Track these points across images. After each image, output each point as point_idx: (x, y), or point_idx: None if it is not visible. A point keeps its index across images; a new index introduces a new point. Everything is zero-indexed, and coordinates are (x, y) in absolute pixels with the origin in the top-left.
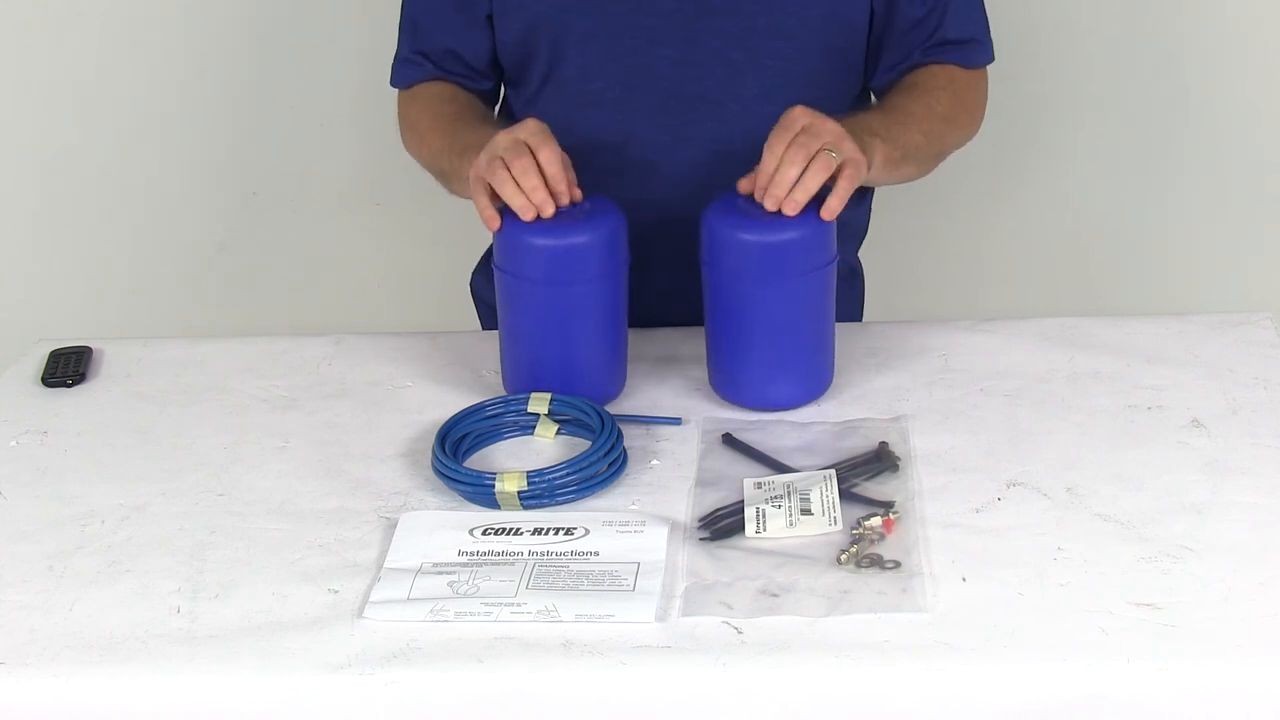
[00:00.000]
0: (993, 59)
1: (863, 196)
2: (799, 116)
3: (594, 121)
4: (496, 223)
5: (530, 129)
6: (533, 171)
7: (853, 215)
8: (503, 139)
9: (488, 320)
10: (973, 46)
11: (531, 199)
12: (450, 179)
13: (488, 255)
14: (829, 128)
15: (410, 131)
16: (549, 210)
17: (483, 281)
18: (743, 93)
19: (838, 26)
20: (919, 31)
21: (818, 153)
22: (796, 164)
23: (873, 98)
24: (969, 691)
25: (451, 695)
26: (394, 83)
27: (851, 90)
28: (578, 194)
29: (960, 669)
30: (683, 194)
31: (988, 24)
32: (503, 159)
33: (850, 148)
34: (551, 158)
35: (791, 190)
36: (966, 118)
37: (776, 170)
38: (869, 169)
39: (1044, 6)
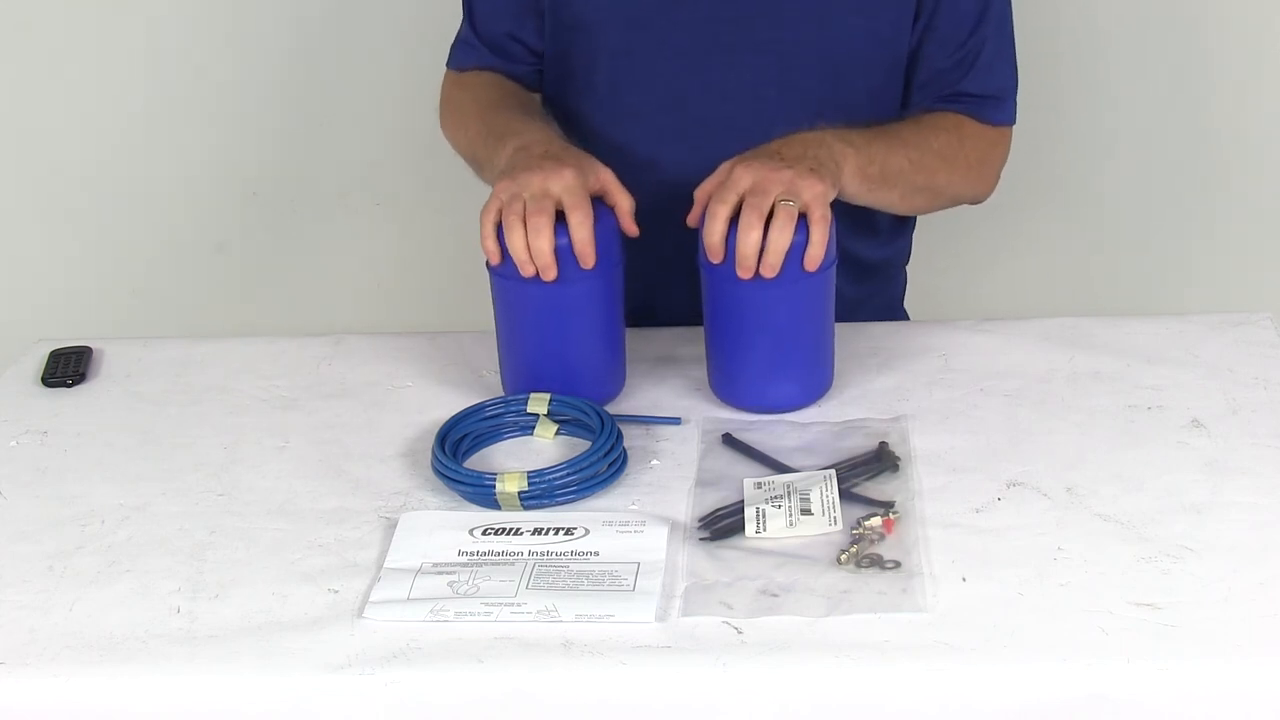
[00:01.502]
0: (1013, 120)
1: (903, 228)
2: (739, 177)
3: (625, 136)
4: (496, 258)
5: (566, 182)
6: (546, 232)
7: (898, 249)
8: (536, 181)
9: None
10: (990, 103)
11: (535, 261)
12: (483, 166)
13: None
14: (776, 177)
15: (453, 115)
16: (550, 276)
17: None
18: (776, 128)
19: (874, 70)
20: (942, 80)
21: (774, 207)
22: (754, 226)
23: None
24: (969, 691)
25: (451, 695)
26: (449, 64)
27: None
28: (590, 262)
29: (960, 669)
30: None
31: (1015, 85)
32: (525, 203)
33: (806, 183)
34: (583, 222)
35: (762, 255)
36: (966, 166)
37: (739, 239)
38: (839, 181)
39: (1045, 8)
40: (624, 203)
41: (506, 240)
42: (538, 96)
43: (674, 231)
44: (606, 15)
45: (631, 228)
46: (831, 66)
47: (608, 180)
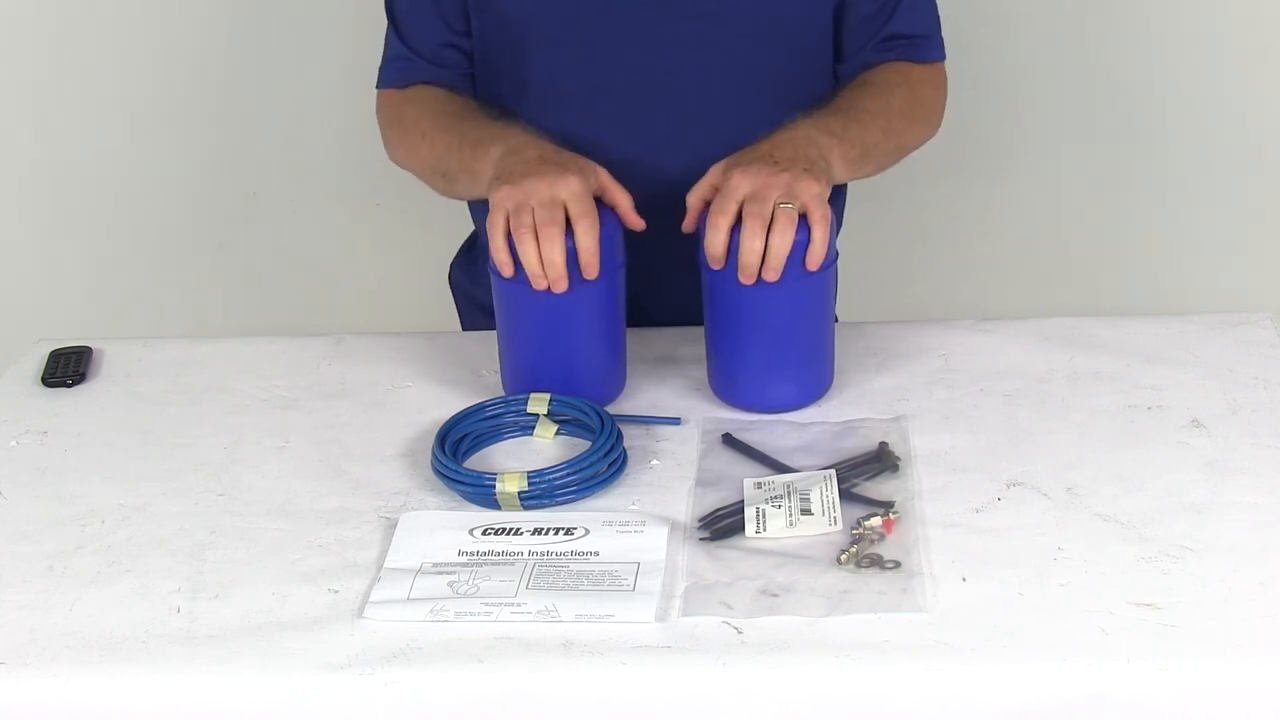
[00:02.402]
0: (944, 56)
1: (837, 194)
2: (738, 184)
3: (563, 124)
4: (510, 270)
5: (573, 189)
6: (560, 243)
7: (837, 208)
8: (541, 189)
9: (466, 311)
10: (923, 42)
11: (549, 273)
12: (456, 177)
13: (467, 245)
14: (775, 181)
15: (406, 134)
16: (562, 288)
17: (461, 274)
18: (713, 96)
19: (806, 27)
20: (869, 27)
21: (774, 211)
22: (757, 235)
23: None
24: (969, 691)
25: (451, 695)
26: (383, 83)
27: (820, 91)
28: (594, 273)
29: (960, 669)
30: (655, 196)
31: (938, 21)
32: (534, 213)
33: (804, 185)
34: (589, 230)
35: (765, 261)
36: (924, 114)
37: (743, 248)
38: (831, 176)
39: (1045, 6)
40: (623, 200)
41: (519, 252)
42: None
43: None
44: (533, 6)
45: (637, 221)
46: (764, 27)
47: (605, 180)
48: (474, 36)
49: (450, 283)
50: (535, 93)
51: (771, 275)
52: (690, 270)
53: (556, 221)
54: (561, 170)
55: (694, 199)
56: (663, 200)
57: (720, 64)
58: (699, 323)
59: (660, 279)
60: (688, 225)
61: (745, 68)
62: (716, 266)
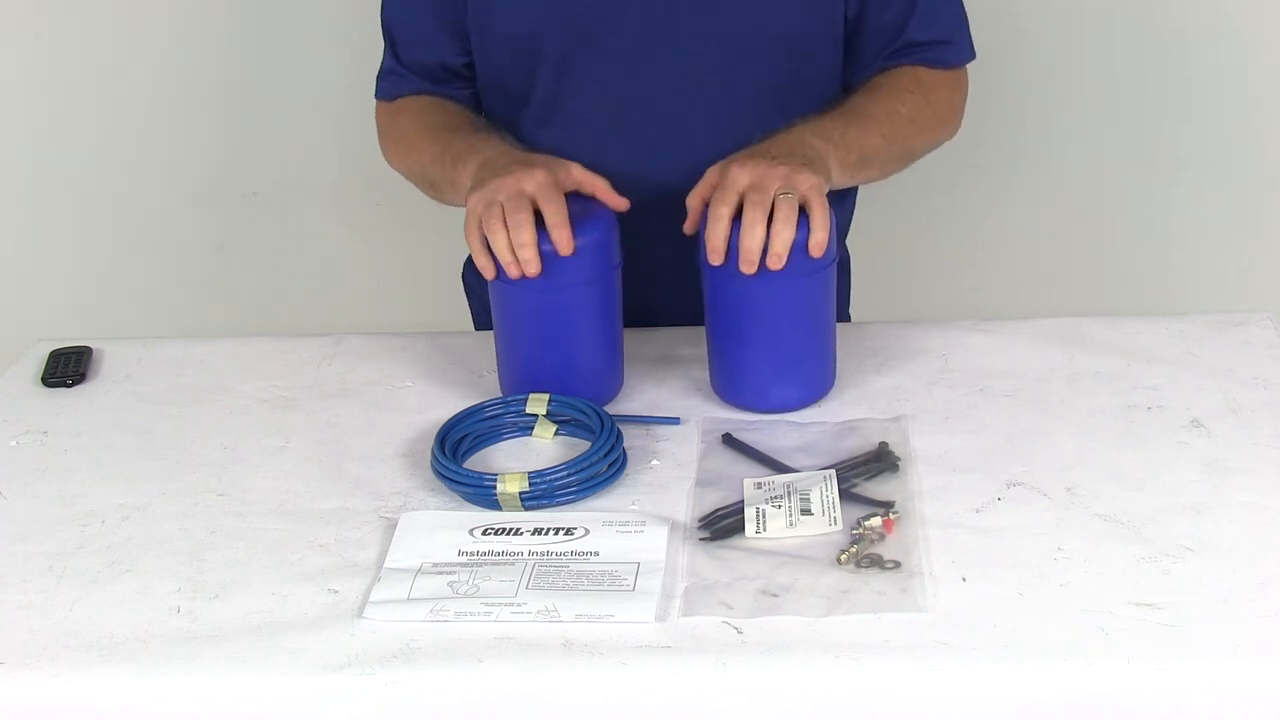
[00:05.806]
0: (969, 58)
1: (846, 192)
2: (736, 176)
3: (566, 139)
4: (491, 273)
5: (539, 180)
6: (528, 228)
7: (837, 211)
8: (507, 185)
9: (479, 312)
10: (942, 48)
11: (519, 256)
12: (442, 188)
13: None
14: (773, 173)
15: (397, 143)
16: (534, 271)
17: (474, 274)
18: (718, 114)
19: (809, 42)
20: (885, 35)
21: (775, 201)
22: (758, 223)
23: None
24: (969, 691)
25: (451, 695)
26: (379, 95)
27: (827, 98)
28: (567, 248)
29: (960, 669)
30: (656, 206)
31: (964, 22)
32: (502, 207)
33: (802, 177)
34: (557, 211)
35: (769, 248)
36: (936, 119)
37: (744, 236)
38: (829, 175)
39: (1043, 4)
40: (600, 182)
41: (491, 244)
42: (479, 120)
43: (632, 233)
44: (543, 26)
45: (618, 201)
46: (766, 44)
47: (578, 173)
48: (475, 54)
49: (464, 283)
50: (537, 110)
51: (776, 263)
52: (689, 275)
53: (523, 209)
54: (528, 167)
55: (694, 200)
56: (664, 208)
57: (728, 83)
58: (697, 324)
59: (662, 285)
60: (689, 226)
61: (747, 83)
62: (717, 260)
